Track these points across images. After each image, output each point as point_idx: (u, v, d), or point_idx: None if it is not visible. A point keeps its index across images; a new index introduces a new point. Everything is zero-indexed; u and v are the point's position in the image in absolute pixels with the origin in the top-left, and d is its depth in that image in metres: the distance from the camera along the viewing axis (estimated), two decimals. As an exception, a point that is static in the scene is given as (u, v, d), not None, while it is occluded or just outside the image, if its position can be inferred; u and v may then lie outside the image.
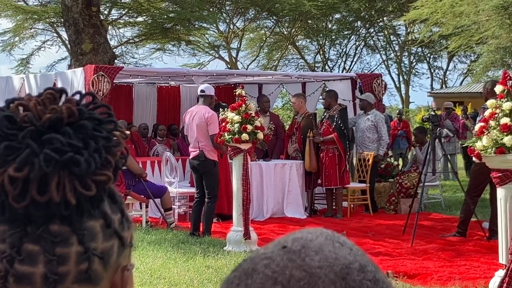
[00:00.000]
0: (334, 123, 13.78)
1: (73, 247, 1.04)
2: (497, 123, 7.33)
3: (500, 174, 7.33)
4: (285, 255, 0.92)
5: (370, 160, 14.02)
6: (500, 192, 7.44)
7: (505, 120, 7.27)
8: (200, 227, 11.62)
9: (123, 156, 1.11)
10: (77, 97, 1.11)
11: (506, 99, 7.40)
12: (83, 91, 1.12)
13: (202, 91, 11.79)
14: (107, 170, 1.06)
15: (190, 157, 11.73)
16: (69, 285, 1.04)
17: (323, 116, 14.12)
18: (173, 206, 12.85)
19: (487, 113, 7.53)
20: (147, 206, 12.83)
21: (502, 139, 7.23)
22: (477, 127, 7.56)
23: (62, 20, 21.34)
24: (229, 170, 12.59)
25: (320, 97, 14.27)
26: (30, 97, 1.09)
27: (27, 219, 1.04)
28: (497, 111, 7.40)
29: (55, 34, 34.02)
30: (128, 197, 12.28)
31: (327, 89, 16.49)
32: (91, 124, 1.07)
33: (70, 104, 1.07)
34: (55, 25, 32.37)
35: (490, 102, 7.52)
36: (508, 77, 7.52)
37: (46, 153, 1.01)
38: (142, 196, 12.48)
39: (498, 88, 7.49)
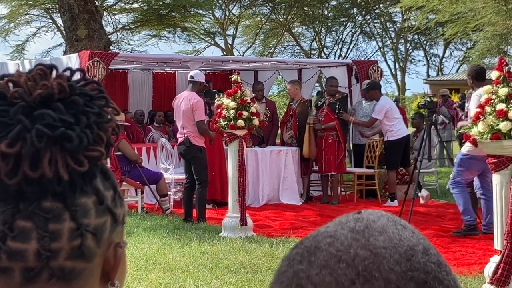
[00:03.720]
0: (336, 111, 13.82)
1: (65, 223, 1.04)
2: (493, 109, 7.32)
3: (495, 160, 7.33)
4: (349, 234, 0.92)
5: (378, 146, 14.03)
6: (496, 178, 7.44)
7: (501, 106, 7.27)
8: (193, 212, 11.64)
9: (115, 132, 1.10)
10: (68, 73, 1.10)
11: (502, 85, 7.39)
12: None
13: (191, 77, 11.80)
14: (99, 146, 1.06)
15: (177, 143, 11.78)
16: (62, 262, 1.04)
17: (321, 102, 14.08)
18: (168, 193, 12.85)
19: (482, 98, 7.53)
20: (142, 193, 12.83)
21: (498, 125, 7.22)
22: (472, 112, 7.55)
23: (57, 6, 21.31)
24: (224, 156, 12.60)
25: (334, 81, 14.21)
26: (20, 73, 1.08)
27: (20, 195, 1.03)
28: (493, 97, 7.40)
29: (50, 20, 33.93)
30: (124, 183, 12.29)
31: (324, 75, 16.51)
32: (82, 100, 1.06)
33: (61, 80, 1.06)
34: (50, 11, 32.27)
35: (486, 88, 7.52)
36: (504, 63, 7.51)
37: (38, 128, 1.00)
38: (138, 182, 12.48)
39: (494, 74, 7.49)
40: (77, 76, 1.12)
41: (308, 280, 0.90)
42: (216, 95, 12.38)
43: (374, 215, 0.96)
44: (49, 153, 1.01)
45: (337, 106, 13.88)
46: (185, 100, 11.48)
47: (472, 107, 10.10)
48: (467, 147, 10.13)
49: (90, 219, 1.06)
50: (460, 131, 11.55)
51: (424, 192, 13.61)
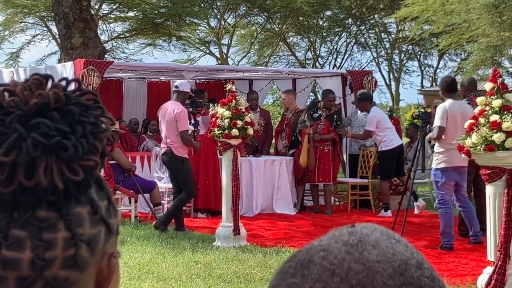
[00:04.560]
0: (334, 123, 13.89)
1: (60, 232, 1.04)
2: (486, 120, 7.35)
3: (489, 171, 7.35)
4: (343, 247, 0.91)
5: (372, 157, 14.05)
6: (489, 189, 7.46)
7: (494, 118, 7.29)
8: (183, 221, 11.62)
9: (110, 142, 1.10)
10: (64, 83, 1.10)
11: (495, 96, 7.42)
12: None
13: (176, 86, 11.80)
14: (94, 156, 1.06)
15: (161, 153, 11.80)
16: (56, 271, 1.04)
17: (316, 114, 14.06)
18: (162, 201, 12.83)
19: (476, 110, 7.56)
20: (136, 201, 12.82)
21: (491, 136, 7.25)
22: (466, 124, 7.57)
23: (53, 14, 21.31)
24: (219, 165, 12.60)
25: (332, 96, 14.24)
26: (16, 82, 1.08)
27: (14, 204, 1.03)
28: (487, 108, 7.42)
29: (45, 28, 33.94)
30: (117, 192, 12.27)
31: (318, 85, 16.55)
32: (78, 109, 1.06)
33: (57, 90, 1.06)
34: (45, 19, 32.28)
35: (480, 99, 7.54)
36: (498, 75, 7.54)
37: (34, 137, 1.01)
38: (131, 191, 12.47)
39: (488, 86, 7.51)
40: (73, 86, 1.12)
41: None
42: (204, 105, 12.39)
43: (368, 228, 0.96)
44: (45, 162, 1.01)
45: (334, 118, 13.96)
46: (169, 110, 11.47)
47: (436, 119, 10.14)
48: (435, 161, 10.18)
49: (85, 229, 1.06)
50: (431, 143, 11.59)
51: (420, 202, 13.62)
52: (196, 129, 12.04)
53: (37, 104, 1.04)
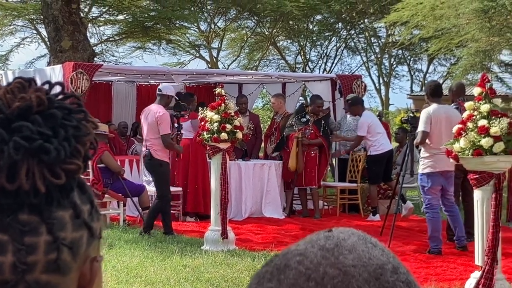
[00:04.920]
0: (322, 128, 13.89)
1: (42, 236, 1.04)
2: (474, 125, 7.37)
3: (477, 176, 7.37)
4: (319, 252, 0.92)
5: (362, 161, 14.07)
6: (477, 194, 7.48)
7: (482, 122, 7.31)
8: (171, 224, 11.60)
9: (93, 146, 1.10)
10: (47, 86, 1.10)
11: (484, 101, 7.44)
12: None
13: (159, 89, 11.79)
14: (77, 159, 1.05)
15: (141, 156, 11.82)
16: (38, 275, 1.03)
17: (305, 119, 14.05)
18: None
19: (465, 115, 7.58)
20: (124, 205, 12.80)
21: (479, 141, 7.27)
22: (454, 129, 7.59)
23: (42, 17, 21.25)
24: (208, 169, 12.59)
25: (320, 101, 14.25)
26: (-1, 86, 1.08)
27: (-4, 208, 1.03)
28: (475, 113, 7.44)
29: (34, 31, 33.82)
30: (106, 195, 12.25)
31: (308, 90, 16.57)
32: (61, 113, 1.06)
33: (40, 93, 1.06)
34: (34, 22, 32.18)
35: (468, 104, 7.56)
36: (487, 80, 7.56)
37: (16, 140, 1.00)
38: (120, 194, 12.45)
39: (476, 91, 7.53)
40: (56, 89, 1.12)
41: None
42: (188, 109, 12.38)
43: (344, 233, 0.96)
44: (26, 165, 1.01)
45: (322, 123, 13.96)
46: (151, 113, 11.46)
47: (420, 124, 10.17)
48: (421, 166, 10.21)
49: (67, 232, 1.06)
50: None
51: (408, 205, 13.65)
52: (179, 132, 12.04)
53: (20, 108, 1.04)
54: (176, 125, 12.15)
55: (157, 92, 11.78)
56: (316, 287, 0.88)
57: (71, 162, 1.04)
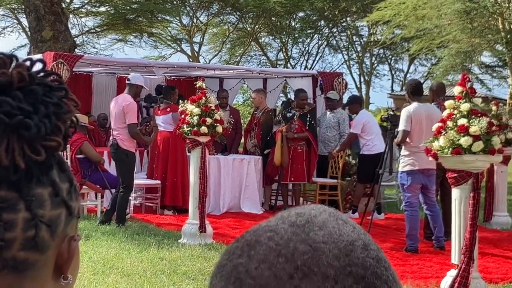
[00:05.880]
0: (308, 123, 13.90)
1: (20, 213, 1.03)
2: (454, 124, 7.40)
3: (455, 175, 7.41)
4: (289, 228, 0.92)
5: (343, 157, 14.09)
6: (455, 192, 7.51)
7: (462, 121, 7.35)
8: (112, 216, 11.60)
9: (73, 124, 1.09)
10: (28, 63, 1.09)
11: (464, 100, 7.48)
12: None
13: (128, 79, 11.79)
14: (57, 136, 1.05)
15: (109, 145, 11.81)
16: (15, 252, 1.03)
17: (290, 114, 14.03)
18: (129, 197, 12.78)
19: (445, 113, 7.61)
20: (102, 197, 12.76)
21: (459, 139, 7.30)
22: (434, 127, 7.62)
23: (23, 6, 21.16)
24: (187, 162, 12.57)
25: (304, 94, 14.26)
26: (-20, 62, 1.07)
27: (-27, 184, 1.02)
28: (455, 112, 7.48)
29: (15, 21, 33.68)
30: (84, 186, 12.21)
31: (289, 86, 16.59)
32: (42, 89, 1.05)
33: (21, 69, 1.05)
34: (15, 12, 32.05)
35: (448, 103, 7.59)
36: (467, 79, 7.60)
37: (-5, 115, 1.00)
38: (98, 186, 12.41)
39: (457, 90, 7.57)
40: (38, 67, 1.11)
41: (247, 274, 0.90)
42: (158, 100, 12.36)
43: (316, 210, 0.96)
44: (6, 141, 1.00)
45: (307, 118, 13.95)
46: (118, 102, 11.46)
47: (400, 123, 10.21)
48: (401, 164, 10.25)
49: (45, 210, 1.05)
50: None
51: (381, 217, 13.66)
52: (148, 123, 12.00)
53: (0, 83, 1.03)
54: (145, 116, 12.11)
55: (126, 82, 11.79)
56: (286, 263, 0.89)
57: (51, 139, 1.04)
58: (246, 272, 0.90)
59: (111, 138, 11.74)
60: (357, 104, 14.05)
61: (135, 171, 12.93)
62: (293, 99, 14.97)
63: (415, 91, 10.39)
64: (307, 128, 13.93)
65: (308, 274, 0.88)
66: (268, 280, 0.89)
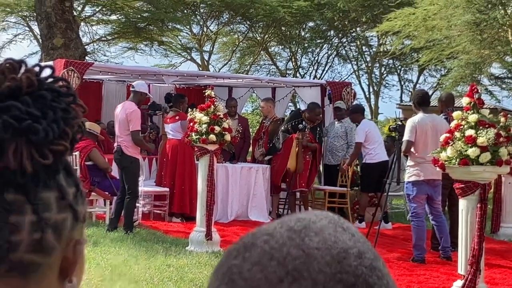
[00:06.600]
0: (317, 135, 14.01)
1: (27, 216, 1.04)
2: (462, 134, 7.41)
3: (462, 185, 7.41)
4: (286, 233, 0.93)
5: (352, 167, 14.11)
6: (462, 203, 7.52)
7: (470, 132, 7.36)
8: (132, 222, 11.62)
9: (80, 129, 1.11)
10: (37, 68, 1.11)
11: (472, 111, 7.48)
12: None
13: (132, 86, 11.84)
14: (64, 141, 1.07)
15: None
16: (21, 254, 1.04)
17: (302, 125, 14.01)
18: (137, 204, 12.80)
19: (452, 124, 7.61)
20: (111, 203, 12.77)
21: (466, 150, 7.31)
22: (442, 137, 7.63)
23: (35, 14, 21.23)
24: (195, 170, 12.59)
25: (319, 110, 14.39)
26: (-10, 67, 1.09)
27: (-19, 187, 1.04)
28: (463, 122, 7.48)
29: (27, 28, 33.78)
30: (93, 193, 12.24)
31: (298, 95, 16.62)
32: (50, 95, 1.07)
33: (30, 74, 1.08)
34: (27, 19, 32.15)
35: (456, 114, 7.60)
36: (475, 90, 7.60)
37: (5, 119, 1.02)
38: (107, 193, 12.44)
39: (465, 100, 7.58)
40: (47, 72, 1.13)
41: (239, 276, 0.92)
42: (162, 108, 12.37)
43: (317, 216, 0.97)
44: (14, 145, 1.02)
45: (317, 131, 14.09)
46: (122, 110, 11.51)
47: (405, 133, 10.21)
48: (407, 174, 10.25)
49: (52, 213, 1.07)
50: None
51: (388, 226, 13.66)
52: (151, 131, 12.02)
53: (10, 88, 1.05)
54: (149, 123, 12.16)
55: (131, 89, 11.85)
56: (277, 266, 0.90)
57: (58, 143, 1.06)
58: (239, 273, 0.92)
59: (115, 144, 11.78)
60: (359, 113, 14.05)
61: (143, 178, 12.97)
62: (303, 109, 14.98)
63: (421, 101, 10.38)
64: (317, 141, 14.04)
65: (298, 279, 0.89)
66: (259, 282, 0.90)
